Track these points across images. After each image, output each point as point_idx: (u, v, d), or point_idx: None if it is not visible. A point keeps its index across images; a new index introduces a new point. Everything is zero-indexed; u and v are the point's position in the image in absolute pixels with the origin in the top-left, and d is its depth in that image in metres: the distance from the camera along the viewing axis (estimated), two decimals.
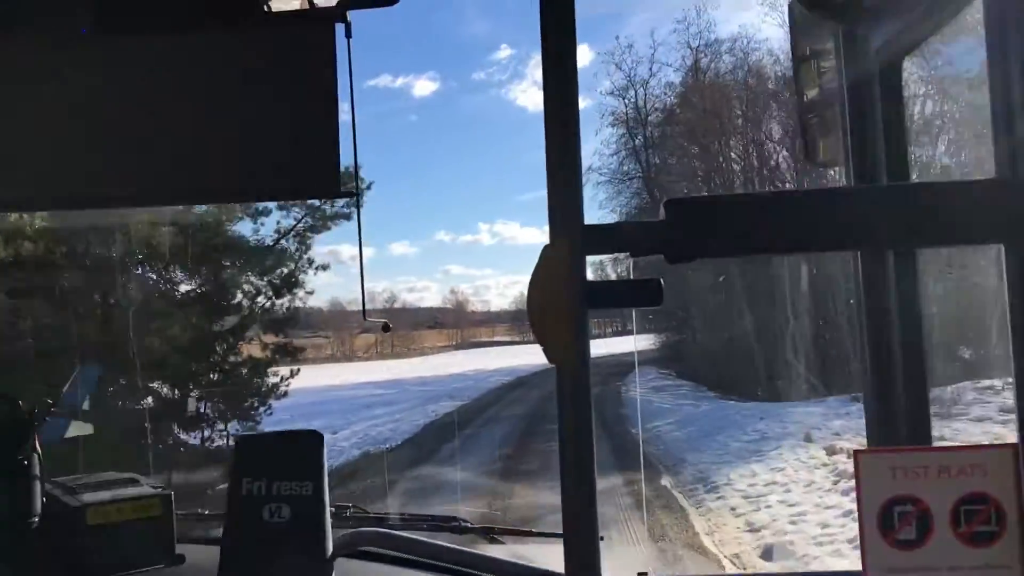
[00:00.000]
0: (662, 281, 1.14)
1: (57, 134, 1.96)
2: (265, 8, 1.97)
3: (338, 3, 1.92)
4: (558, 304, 1.13)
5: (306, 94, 1.94)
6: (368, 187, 16.74)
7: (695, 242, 1.14)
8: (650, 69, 38.50)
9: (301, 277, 17.11)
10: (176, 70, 1.96)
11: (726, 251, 1.22)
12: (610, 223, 1.15)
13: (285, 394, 16.84)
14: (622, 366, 33.15)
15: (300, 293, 17.30)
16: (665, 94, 35.29)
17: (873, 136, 1.62)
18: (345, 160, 1.94)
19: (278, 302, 17.03)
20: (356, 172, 1.90)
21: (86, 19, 1.93)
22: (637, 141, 36.72)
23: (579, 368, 1.13)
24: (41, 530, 1.97)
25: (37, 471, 1.99)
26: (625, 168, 36.92)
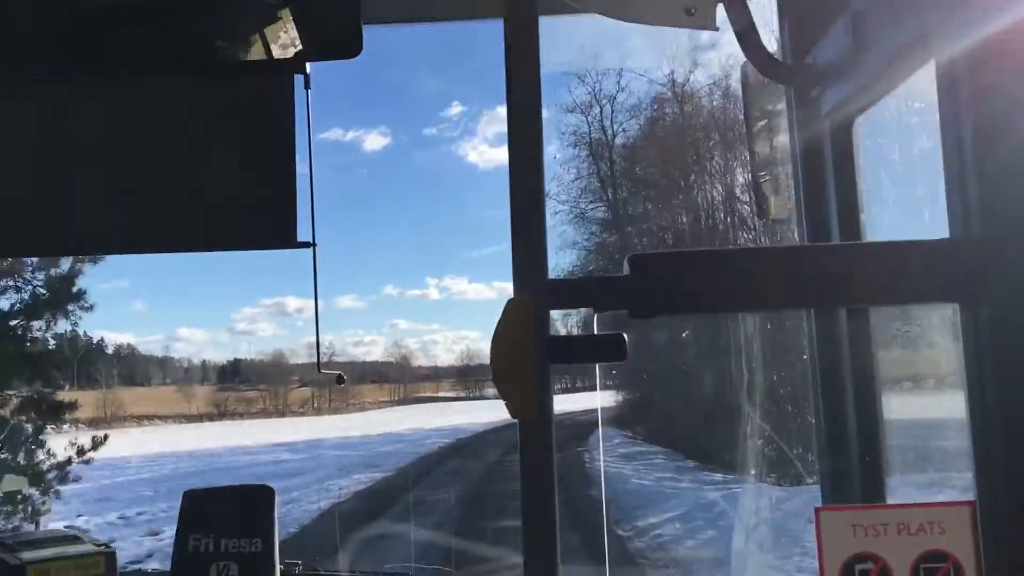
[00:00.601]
0: (625, 336, 1.15)
1: (8, 180, 1.93)
2: (225, 58, 1.97)
3: (296, 55, 1.93)
4: (521, 358, 1.12)
5: (264, 144, 1.93)
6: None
7: (658, 298, 1.14)
8: (618, 83, 34.99)
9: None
10: (134, 120, 1.95)
11: (688, 307, 1.22)
12: (574, 278, 1.15)
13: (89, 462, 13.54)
14: (580, 427, 29.12)
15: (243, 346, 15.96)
16: (634, 113, 31.44)
17: (825, 195, 1.65)
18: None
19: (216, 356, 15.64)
20: (312, 222, 1.88)
21: (42, 67, 1.91)
22: (602, 167, 32.58)
23: (542, 424, 1.12)
24: None
25: None
26: (588, 199, 32.93)
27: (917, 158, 1.57)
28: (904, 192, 1.67)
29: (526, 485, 1.12)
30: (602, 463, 23.02)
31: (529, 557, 1.12)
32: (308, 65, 1.90)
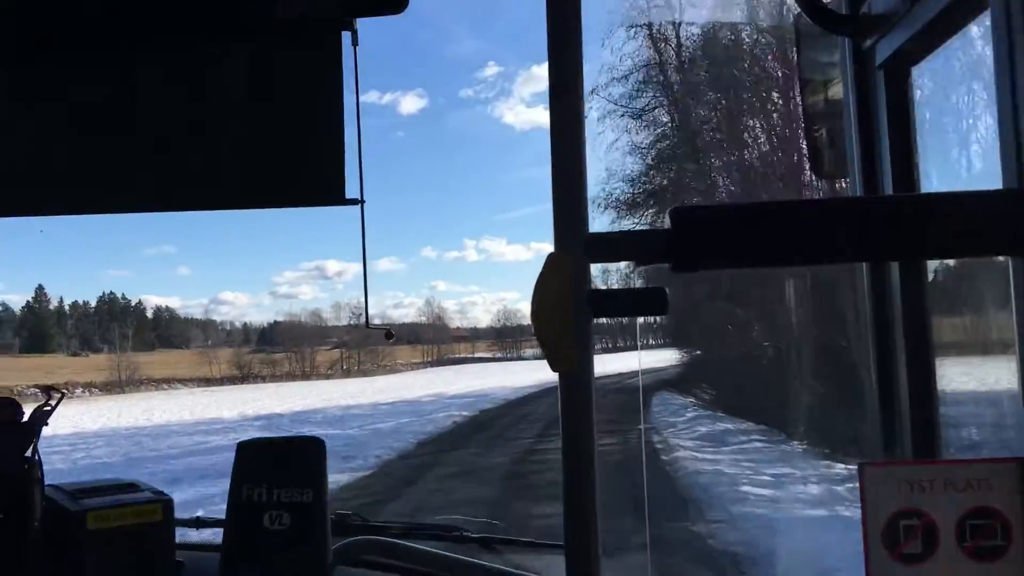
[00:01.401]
0: (667, 290, 1.14)
1: (66, 139, 1.97)
2: (272, 16, 1.98)
3: (345, 11, 1.93)
4: (562, 313, 1.12)
5: (312, 102, 1.95)
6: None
7: (700, 252, 1.13)
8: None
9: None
10: (184, 77, 1.97)
11: (731, 262, 1.21)
12: (615, 231, 1.14)
13: None
14: (629, 394, 29.01)
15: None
16: None
17: (879, 148, 1.62)
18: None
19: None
20: (361, 180, 1.90)
21: (96, 27, 1.94)
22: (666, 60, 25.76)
23: (583, 377, 1.13)
24: (41, 535, 1.96)
25: (37, 476, 1.98)
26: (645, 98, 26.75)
27: (972, 109, 1.53)
28: (959, 144, 1.63)
29: (567, 437, 1.13)
30: (643, 438, 18.19)
31: (569, 507, 1.13)
32: (356, 21, 1.90)
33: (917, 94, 1.60)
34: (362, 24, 1.90)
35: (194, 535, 2.40)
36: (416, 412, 29.96)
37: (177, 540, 2.11)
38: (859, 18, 1.64)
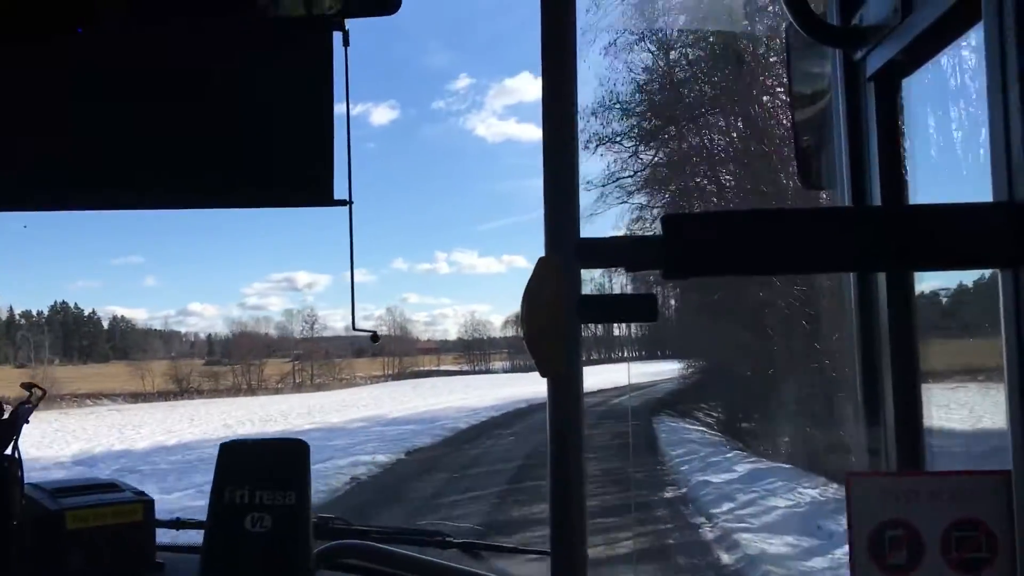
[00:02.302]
0: (657, 296, 1.14)
1: (47, 135, 1.95)
2: (263, 15, 1.97)
3: (337, 12, 1.92)
4: (551, 317, 1.12)
5: (302, 102, 1.94)
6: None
7: (692, 259, 1.13)
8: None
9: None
10: (173, 73, 1.95)
11: (722, 269, 1.21)
12: (606, 237, 1.14)
13: None
14: (618, 417, 22.77)
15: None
16: None
17: (869, 159, 1.62)
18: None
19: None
20: (349, 180, 1.89)
21: (79, 21, 1.92)
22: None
23: (572, 382, 1.12)
24: (20, 534, 1.94)
25: (17, 475, 1.96)
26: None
27: (963, 122, 1.53)
28: (949, 156, 1.64)
29: (554, 442, 1.12)
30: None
31: (555, 513, 1.13)
32: (347, 22, 1.90)
33: (907, 106, 1.60)
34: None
35: (175, 536, 2.38)
36: (339, 448, 20.56)
37: (158, 541, 2.10)
38: (850, 30, 1.65)
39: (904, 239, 1.15)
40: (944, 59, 1.47)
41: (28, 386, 2.03)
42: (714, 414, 25.78)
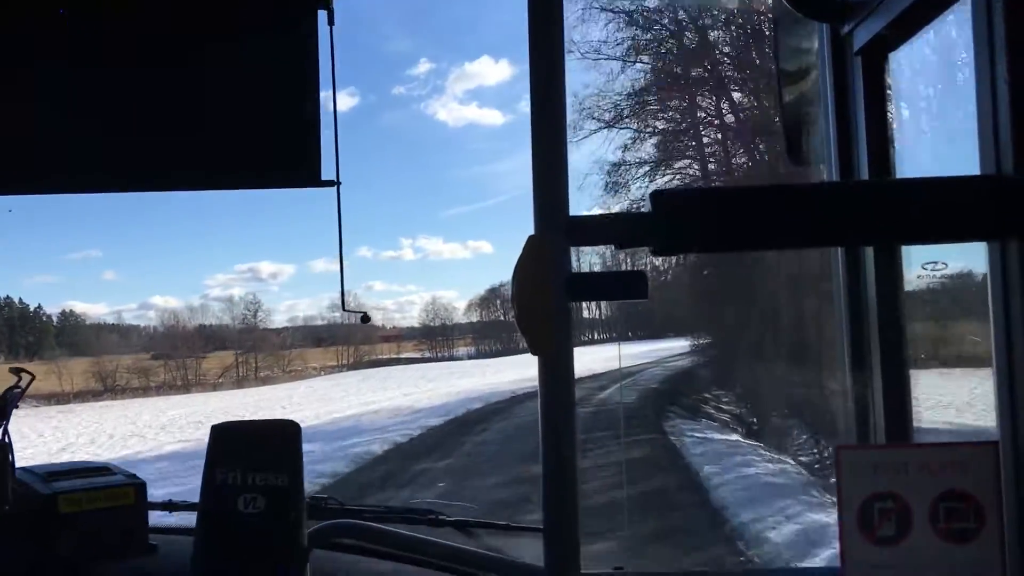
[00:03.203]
0: (646, 273, 1.14)
1: (30, 116, 1.94)
2: None
3: None
4: (541, 295, 1.12)
5: (288, 82, 1.92)
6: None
7: (681, 235, 1.13)
8: None
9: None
10: (157, 56, 1.94)
11: (712, 245, 1.22)
12: (596, 214, 1.14)
13: None
14: (605, 416, 18.26)
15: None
16: None
17: (856, 134, 1.62)
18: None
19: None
20: (337, 160, 1.88)
21: (64, 4, 1.90)
22: None
23: (562, 360, 1.13)
24: (12, 518, 1.94)
25: (8, 459, 1.96)
26: None
27: (950, 95, 1.53)
28: (936, 129, 1.64)
29: (545, 420, 1.13)
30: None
31: (549, 496, 1.13)
32: (333, 1, 1.88)
33: (894, 80, 1.60)
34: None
35: (167, 519, 2.38)
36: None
37: (150, 524, 2.10)
38: (837, 4, 1.65)
39: (892, 213, 1.15)
40: (931, 33, 1.47)
41: (16, 371, 2.02)
42: (731, 407, 19.57)
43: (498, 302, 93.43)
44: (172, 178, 2.01)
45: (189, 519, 2.15)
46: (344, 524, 2.06)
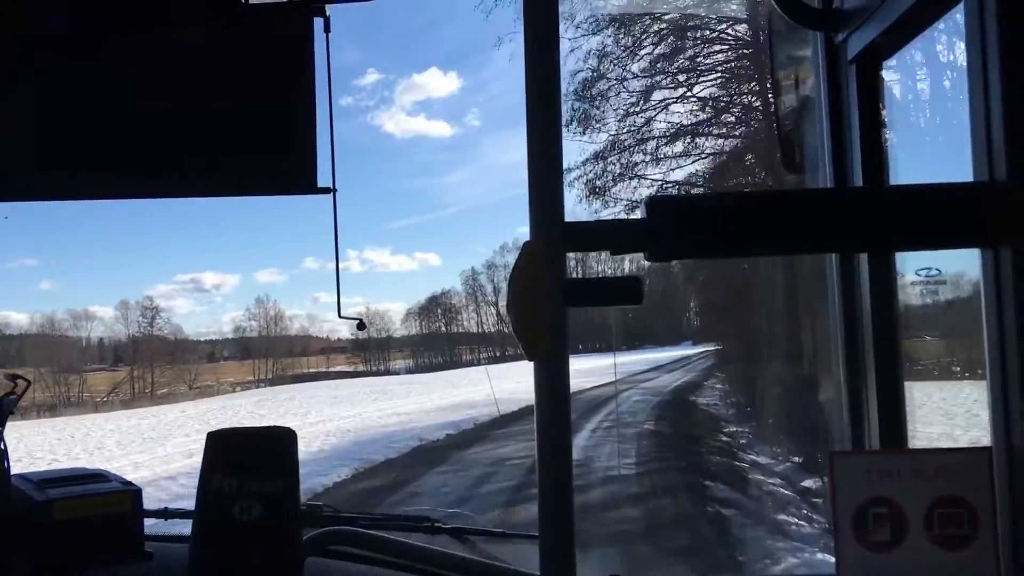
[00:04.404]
0: (643, 279, 1.14)
1: (26, 125, 1.94)
2: (244, 1, 1.96)
3: None
4: (537, 302, 1.12)
5: (284, 89, 1.93)
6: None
7: (676, 241, 1.14)
8: None
9: None
10: (153, 62, 1.94)
11: (707, 251, 1.22)
12: (591, 220, 1.14)
13: None
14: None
15: None
16: None
17: (850, 142, 1.63)
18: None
19: None
20: (333, 167, 1.89)
21: (61, 8, 1.91)
22: None
23: (557, 366, 1.13)
24: (7, 525, 1.94)
25: (3, 466, 1.95)
26: None
27: (943, 103, 1.54)
28: (930, 137, 1.65)
29: (541, 427, 1.13)
30: None
31: (543, 498, 1.13)
32: (328, 8, 1.89)
33: (888, 88, 1.61)
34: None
35: (163, 526, 2.37)
36: None
37: (146, 532, 2.09)
38: (831, 12, 1.66)
39: (886, 220, 1.16)
40: (924, 41, 1.48)
41: (12, 377, 2.02)
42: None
43: (439, 311, 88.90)
44: (165, 185, 2.01)
45: (185, 527, 2.15)
46: (340, 531, 2.06)
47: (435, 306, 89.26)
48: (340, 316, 2.02)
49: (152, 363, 72.87)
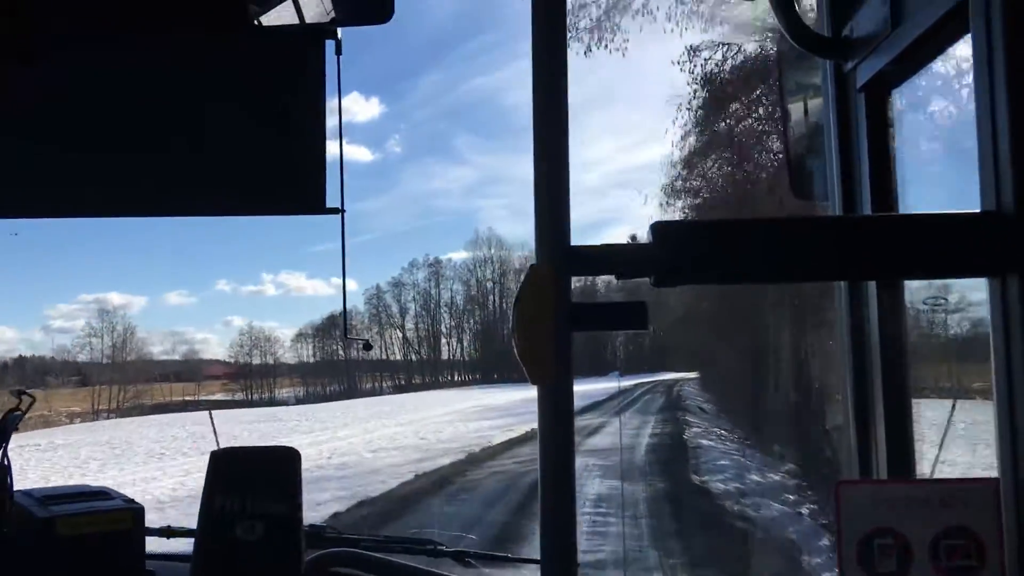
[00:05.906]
0: (647, 304, 1.14)
1: (38, 141, 1.95)
2: (256, 23, 1.97)
3: (330, 20, 1.93)
4: (542, 325, 1.12)
5: (294, 110, 1.94)
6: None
7: (681, 266, 1.13)
8: None
9: None
10: (165, 82, 1.96)
11: (712, 276, 1.22)
12: (596, 244, 1.14)
13: None
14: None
15: None
16: None
17: (859, 169, 1.63)
18: None
19: None
20: (342, 187, 1.89)
21: (75, 30, 1.93)
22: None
23: (562, 391, 1.12)
24: (10, 541, 1.93)
25: (7, 482, 1.95)
26: None
27: (952, 132, 1.54)
28: (938, 166, 1.65)
29: (544, 451, 1.12)
30: None
31: (546, 521, 1.13)
32: (339, 31, 1.90)
33: (897, 116, 1.61)
34: None
35: (165, 545, 2.37)
36: None
37: (148, 550, 2.09)
38: (841, 41, 1.66)
39: (894, 248, 1.15)
40: (933, 70, 1.48)
41: (18, 393, 2.02)
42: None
43: (335, 332, 79.16)
44: (176, 204, 2.02)
45: (187, 546, 2.14)
46: (342, 553, 2.05)
47: (332, 326, 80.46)
48: (346, 337, 2.04)
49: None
